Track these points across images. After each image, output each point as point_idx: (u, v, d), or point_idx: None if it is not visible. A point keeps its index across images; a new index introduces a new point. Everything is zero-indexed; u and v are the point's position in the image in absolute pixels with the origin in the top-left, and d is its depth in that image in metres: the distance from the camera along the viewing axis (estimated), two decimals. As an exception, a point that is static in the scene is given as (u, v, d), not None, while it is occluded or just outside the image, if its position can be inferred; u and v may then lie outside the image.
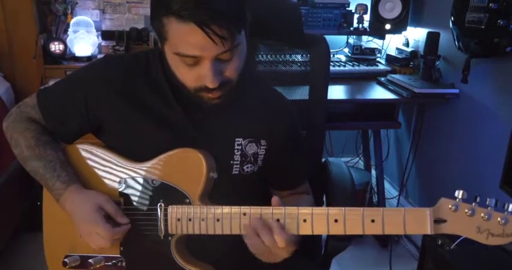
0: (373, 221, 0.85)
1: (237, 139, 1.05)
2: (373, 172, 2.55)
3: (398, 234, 0.86)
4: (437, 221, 0.82)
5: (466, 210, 0.80)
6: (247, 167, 1.08)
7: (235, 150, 1.05)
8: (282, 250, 0.90)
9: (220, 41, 0.85)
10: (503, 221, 0.78)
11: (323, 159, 1.43)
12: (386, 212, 0.85)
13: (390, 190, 2.64)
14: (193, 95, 0.96)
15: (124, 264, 1.01)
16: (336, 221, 0.87)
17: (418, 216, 0.83)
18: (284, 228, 0.88)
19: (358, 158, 2.84)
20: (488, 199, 0.80)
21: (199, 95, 0.95)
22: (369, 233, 0.86)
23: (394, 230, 0.85)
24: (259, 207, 0.90)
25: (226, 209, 0.92)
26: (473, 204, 0.81)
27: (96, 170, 1.04)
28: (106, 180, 1.03)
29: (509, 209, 0.78)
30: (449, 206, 0.81)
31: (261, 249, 0.91)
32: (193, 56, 0.87)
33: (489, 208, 0.80)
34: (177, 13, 0.84)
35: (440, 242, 1.58)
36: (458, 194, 0.81)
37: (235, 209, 0.91)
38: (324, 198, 1.36)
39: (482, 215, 0.79)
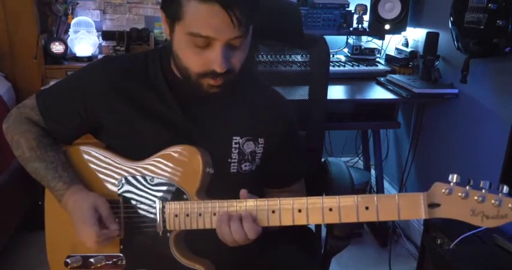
0: (367, 208, 0.85)
1: (234, 137, 1.06)
2: (373, 172, 2.56)
3: (393, 220, 0.86)
4: (432, 206, 0.82)
5: (460, 194, 0.79)
6: (245, 166, 1.08)
7: (233, 149, 1.06)
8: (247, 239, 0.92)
9: (238, 24, 0.88)
10: (497, 203, 0.77)
11: (323, 159, 1.44)
12: (379, 198, 0.85)
13: (390, 189, 2.64)
14: (194, 82, 0.96)
15: (124, 262, 1.02)
16: (330, 209, 0.87)
17: (412, 201, 0.83)
18: (256, 220, 0.90)
19: (357, 158, 2.85)
20: (482, 182, 0.79)
21: (201, 82, 0.95)
22: (363, 221, 0.86)
23: (389, 216, 0.85)
24: (255, 200, 0.92)
25: (222, 203, 0.93)
26: (467, 187, 0.80)
27: (95, 171, 1.05)
28: (105, 180, 1.03)
29: (504, 191, 0.77)
30: (443, 190, 0.81)
31: (227, 237, 0.92)
32: (208, 36, 0.89)
33: (483, 190, 0.79)
34: None
35: (439, 241, 1.59)
36: (452, 178, 0.81)
37: (231, 203, 0.93)
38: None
39: (476, 197, 0.78)
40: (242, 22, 0.88)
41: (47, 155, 1.03)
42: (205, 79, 0.95)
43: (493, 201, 0.78)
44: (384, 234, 2.34)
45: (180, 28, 0.92)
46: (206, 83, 0.96)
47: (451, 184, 0.81)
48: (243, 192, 0.93)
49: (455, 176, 0.81)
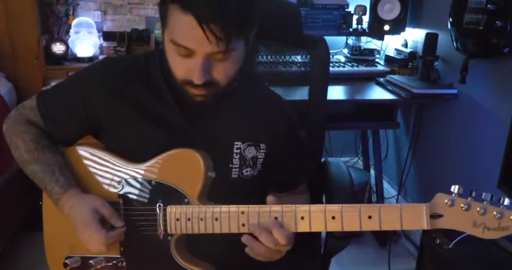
0: (370, 217, 0.86)
1: (235, 143, 1.05)
2: (372, 172, 2.57)
3: (395, 230, 0.87)
4: (434, 216, 0.83)
5: (462, 205, 0.81)
6: (247, 171, 1.08)
7: (234, 154, 1.06)
8: (282, 248, 0.92)
9: (215, 40, 0.85)
10: (498, 215, 0.79)
11: (322, 159, 1.44)
12: (383, 208, 0.86)
13: (389, 190, 2.65)
14: (180, 89, 0.96)
15: (124, 264, 1.01)
16: (333, 217, 0.88)
17: (415, 211, 0.84)
18: (282, 225, 0.90)
19: (357, 158, 2.86)
20: (483, 193, 0.80)
21: (185, 88, 0.95)
22: (366, 229, 0.87)
23: (391, 226, 0.85)
24: (257, 206, 0.91)
25: (224, 208, 0.93)
26: (469, 198, 0.82)
27: (95, 172, 1.04)
28: (105, 182, 1.03)
29: (505, 203, 0.79)
30: (445, 201, 0.82)
31: (261, 253, 0.92)
32: (187, 47, 0.88)
33: (485, 202, 0.80)
34: (181, 2, 0.85)
35: (438, 241, 1.59)
36: (454, 189, 0.82)
37: (233, 208, 0.92)
38: (324, 198, 1.37)
39: (478, 209, 0.80)
40: (222, 38, 0.85)
41: (45, 157, 1.03)
42: (188, 87, 0.94)
43: (494, 213, 0.79)
44: (383, 234, 2.35)
45: (166, 34, 0.92)
46: (191, 91, 0.95)
47: (453, 195, 0.82)
48: (270, 199, 0.92)
49: (457, 187, 0.82)
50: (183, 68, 0.92)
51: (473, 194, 0.81)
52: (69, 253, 1.04)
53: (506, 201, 0.79)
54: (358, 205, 0.87)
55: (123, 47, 2.34)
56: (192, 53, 0.89)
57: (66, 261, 1.02)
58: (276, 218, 0.90)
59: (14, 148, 1.06)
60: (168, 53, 0.94)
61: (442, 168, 2.18)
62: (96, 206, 0.96)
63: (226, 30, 0.85)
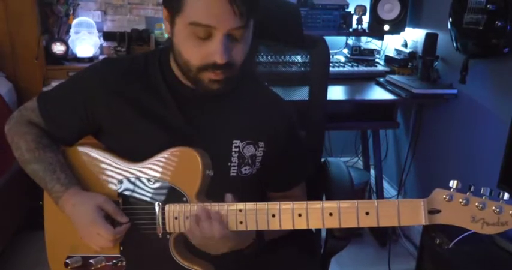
0: (367, 213, 0.86)
1: (234, 141, 1.06)
2: (372, 172, 2.57)
3: (393, 225, 0.87)
4: (432, 212, 0.82)
5: (461, 200, 0.80)
6: (245, 169, 1.08)
7: (233, 152, 1.06)
8: (219, 242, 0.92)
9: (239, 14, 0.88)
10: (497, 210, 0.78)
11: (322, 159, 1.45)
12: (380, 204, 0.85)
13: (389, 189, 2.65)
14: (195, 78, 0.96)
15: (124, 263, 1.02)
16: (330, 214, 0.88)
17: (412, 207, 0.83)
18: (223, 222, 0.91)
19: (357, 158, 2.86)
20: (482, 188, 0.80)
21: (201, 77, 0.95)
22: (363, 226, 0.86)
23: (389, 222, 0.85)
24: (255, 203, 0.92)
25: (222, 206, 0.93)
26: (468, 193, 0.81)
27: (95, 171, 1.05)
28: (104, 181, 1.03)
29: (504, 198, 0.78)
30: (444, 196, 0.82)
31: (197, 238, 0.93)
32: (209, 25, 0.89)
33: (484, 197, 0.80)
34: None
35: (438, 240, 1.59)
36: (453, 184, 0.81)
37: (231, 206, 0.93)
38: (324, 198, 1.37)
39: (476, 204, 0.80)
40: (243, 12, 0.88)
41: (46, 156, 1.04)
42: (206, 73, 0.94)
43: (493, 208, 0.79)
44: (383, 234, 2.35)
45: (181, 20, 0.92)
46: (207, 78, 0.95)
47: (452, 190, 0.82)
48: (228, 195, 0.93)
49: (455, 182, 0.81)
50: (200, 53, 0.92)
51: (472, 188, 0.81)
52: (69, 253, 1.04)
53: (506, 195, 0.78)
54: (356, 201, 0.86)
55: (123, 47, 2.35)
56: (211, 33, 0.90)
57: (67, 261, 1.02)
58: (273, 215, 0.90)
59: (15, 148, 1.07)
60: (183, 41, 0.94)
61: (442, 168, 2.18)
62: (99, 203, 0.97)
63: (248, 5, 0.89)
